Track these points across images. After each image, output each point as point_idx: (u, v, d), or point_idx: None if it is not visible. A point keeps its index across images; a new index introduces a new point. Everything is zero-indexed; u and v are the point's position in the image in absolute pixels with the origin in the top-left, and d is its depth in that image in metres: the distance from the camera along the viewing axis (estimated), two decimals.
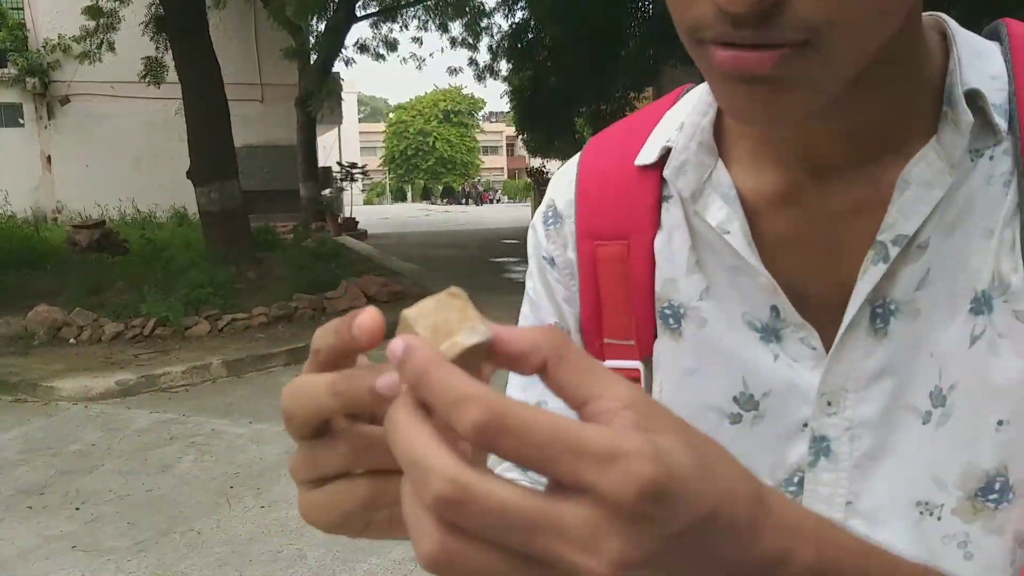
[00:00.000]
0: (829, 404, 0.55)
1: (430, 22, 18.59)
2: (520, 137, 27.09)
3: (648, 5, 18.80)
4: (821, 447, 0.56)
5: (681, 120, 0.61)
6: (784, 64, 0.43)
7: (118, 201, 18.54)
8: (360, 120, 62.65)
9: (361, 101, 68.16)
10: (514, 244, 18.89)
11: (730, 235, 0.57)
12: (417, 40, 47.11)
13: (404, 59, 19.25)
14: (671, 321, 0.61)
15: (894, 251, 0.53)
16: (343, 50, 17.15)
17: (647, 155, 0.62)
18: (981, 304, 0.52)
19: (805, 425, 0.56)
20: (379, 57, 18.27)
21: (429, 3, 18.02)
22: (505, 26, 21.17)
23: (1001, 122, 0.52)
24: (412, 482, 0.32)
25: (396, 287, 9.58)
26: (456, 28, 18.60)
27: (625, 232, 0.63)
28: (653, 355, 0.63)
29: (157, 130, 19.16)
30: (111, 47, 14.08)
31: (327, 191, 21.09)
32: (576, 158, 0.69)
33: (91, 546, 3.62)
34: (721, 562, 0.34)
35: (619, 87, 21.06)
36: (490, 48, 20.25)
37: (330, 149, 29.15)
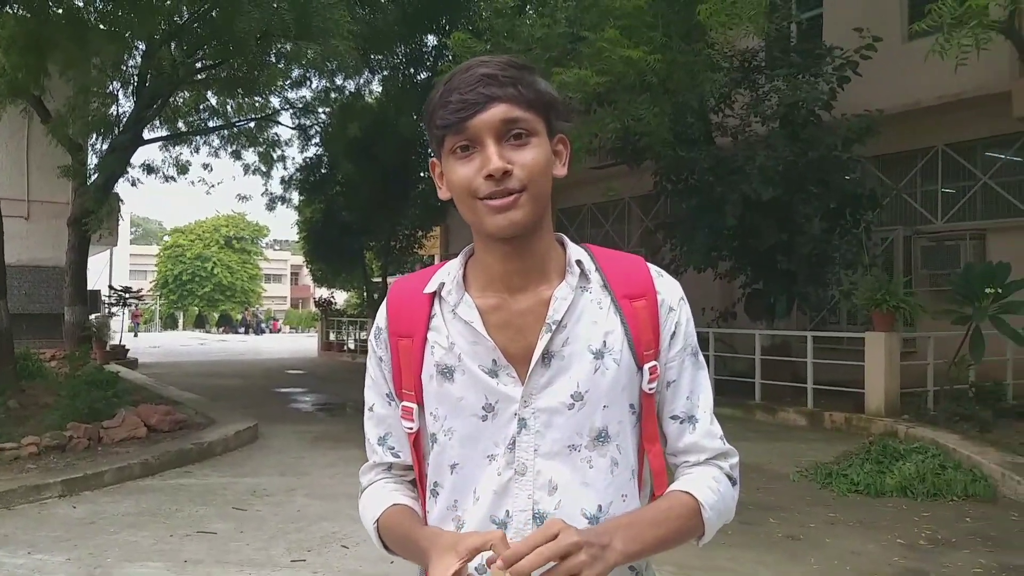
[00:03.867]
0: (526, 403, 1.15)
1: (222, 149, 18.51)
2: (308, 267, 27.09)
3: None
4: (523, 425, 1.15)
5: (447, 273, 1.21)
6: (515, 201, 1.08)
7: None
8: (131, 242, 59.24)
9: (133, 223, 64.74)
10: (300, 375, 18.55)
11: (474, 323, 1.16)
12: (207, 167, 46.11)
13: (193, 183, 18.84)
14: (447, 374, 1.18)
15: (552, 327, 1.15)
16: (129, 169, 16.60)
17: (430, 287, 1.21)
18: (598, 354, 1.16)
19: (515, 414, 1.15)
20: (168, 179, 17.82)
21: (222, 132, 18.00)
22: (299, 158, 21.50)
23: (593, 273, 1.20)
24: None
25: (179, 416, 9.19)
26: (250, 156, 18.65)
27: (412, 332, 1.21)
28: (428, 395, 1.19)
29: None
30: None
31: (95, 316, 19.72)
32: (387, 296, 1.27)
33: None
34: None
35: (408, 225, 21.92)
36: (283, 180, 20.42)
37: (99, 272, 27.38)
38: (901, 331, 10.02)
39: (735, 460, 1.27)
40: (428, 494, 1.22)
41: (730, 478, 1.24)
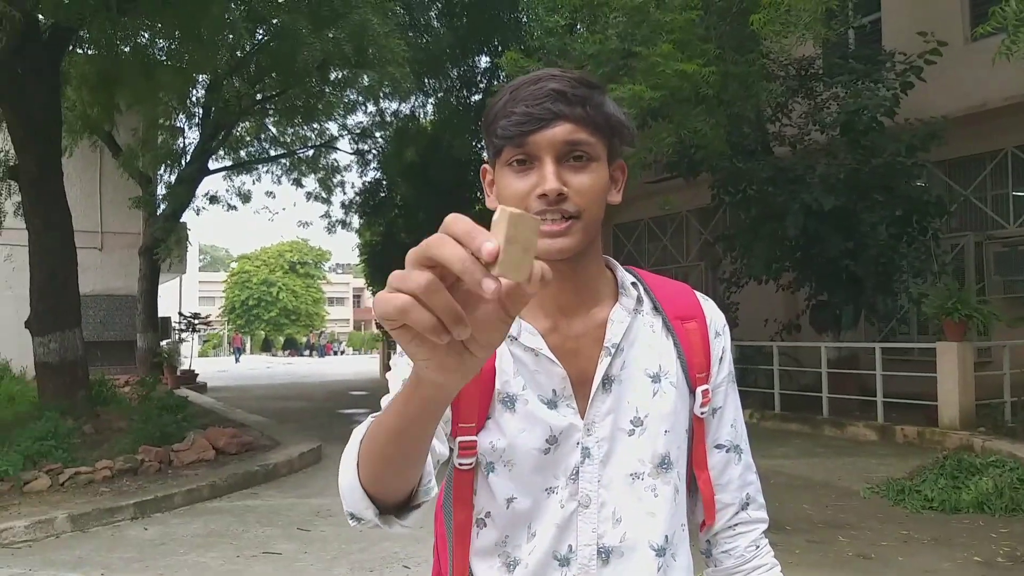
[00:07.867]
0: (589, 431, 1.10)
1: (283, 176, 19.00)
2: (369, 289, 27.51)
3: None
4: (586, 454, 1.10)
5: None
6: (567, 228, 1.03)
7: None
8: (200, 269, 61.00)
9: (202, 250, 66.65)
10: (363, 396, 18.78)
11: (542, 350, 1.10)
12: (270, 194, 47.31)
13: (257, 211, 19.36)
14: (508, 403, 1.10)
15: (611, 351, 1.11)
16: (194, 199, 17.20)
17: None
18: (655, 378, 1.13)
19: (578, 443, 1.09)
20: (231, 208, 18.40)
21: (283, 160, 18.48)
22: (359, 183, 21.92)
23: (645, 297, 1.17)
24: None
25: (246, 438, 9.39)
26: (310, 182, 19.10)
27: None
28: (494, 423, 1.10)
29: None
30: None
31: (165, 342, 20.36)
32: None
33: None
34: None
35: None
36: (343, 204, 20.83)
37: (169, 299, 28.26)
38: (975, 340, 9.67)
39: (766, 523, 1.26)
40: (474, 523, 1.14)
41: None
